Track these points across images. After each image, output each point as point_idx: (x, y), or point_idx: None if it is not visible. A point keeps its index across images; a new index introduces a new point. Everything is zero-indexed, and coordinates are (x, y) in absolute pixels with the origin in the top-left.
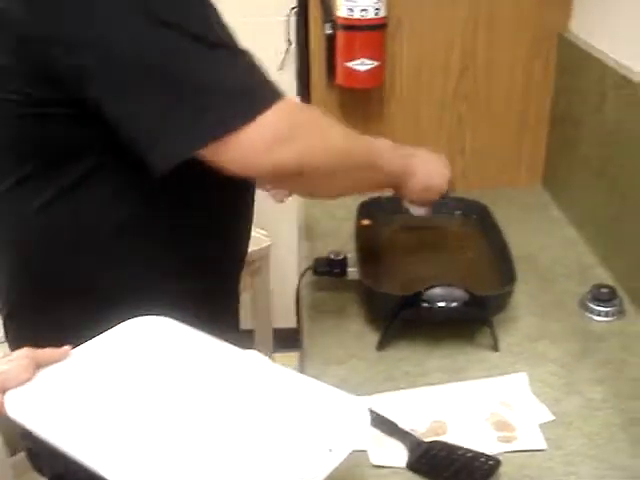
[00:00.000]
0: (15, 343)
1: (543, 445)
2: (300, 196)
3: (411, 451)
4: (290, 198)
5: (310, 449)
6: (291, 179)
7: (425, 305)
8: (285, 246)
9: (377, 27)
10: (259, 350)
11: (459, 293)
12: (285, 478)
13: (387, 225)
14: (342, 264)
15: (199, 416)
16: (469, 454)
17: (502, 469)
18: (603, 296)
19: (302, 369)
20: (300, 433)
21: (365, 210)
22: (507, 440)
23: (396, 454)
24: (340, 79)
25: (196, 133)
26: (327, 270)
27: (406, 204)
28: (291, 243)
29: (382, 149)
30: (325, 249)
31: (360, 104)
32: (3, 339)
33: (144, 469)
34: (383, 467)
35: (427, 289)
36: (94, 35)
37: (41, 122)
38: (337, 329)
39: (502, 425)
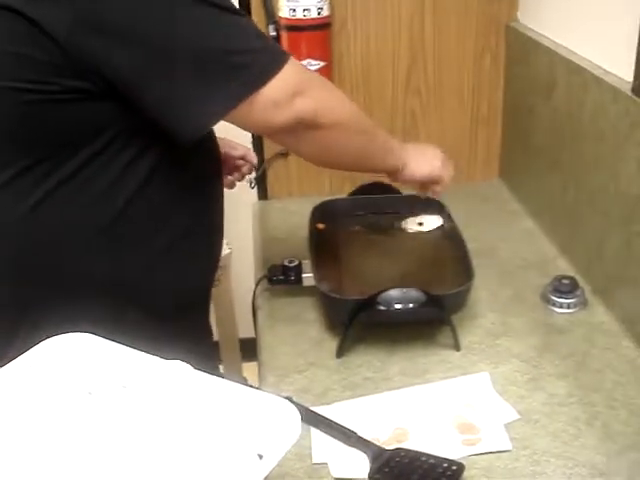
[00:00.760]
0: None
1: (509, 446)
2: (313, 162)
3: (373, 461)
4: (241, 183)
5: (239, 457)
6: (308, 132)
7: (381, 308)
8: (247, 254)
9: (321, 27)
10: (226, 362)
11: (415, 294)
12: None
13: (342, 228)
14: (297, 271)
15: (121, 432)
16: (432, 460)
17: (466, 473)
18: (564, 287)
19: (261, 380)
20: (228, 441)
21: (319, 214)
22: (472, 443)
23: (357, 465)
24: None
25: (230, 91)
26: (282, 278)
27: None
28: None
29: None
30: (280, 256)
31: None
32: None
33: None
34: (345, 479)
35: (382, 292)
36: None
37: (49, 109)
38: (295, 337)
39: (466, 427)
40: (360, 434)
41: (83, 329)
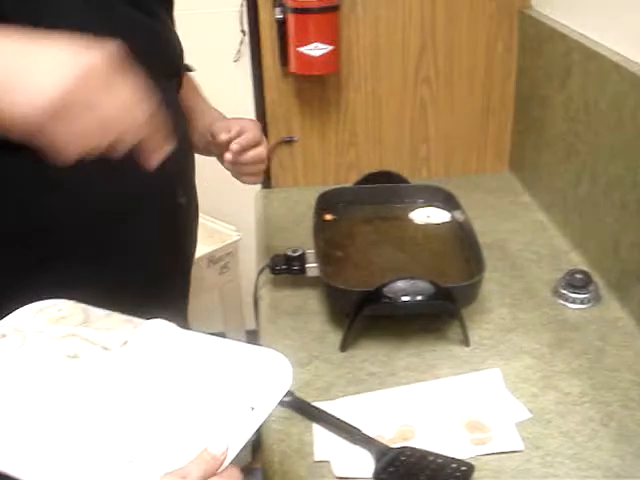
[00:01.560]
0: None
1: (520, 446)
2: None
3: (377, 460)
4: None
5: (232, 409)
6: None
7: (388, 300)
8: (252, 243)
9: (329, 9)
10: None
11: (423, 285)
12: (210, 441)
13: (348, 217)
14: (301, 260)
15: (115, 391)
16: (440, 460)
17: (476, 474)
18: (578, 282)
19: None
20: (221, 395)
21: (325, 202)
22: (481, 442)
23: (361, 464)
24: (294, 66)
25: None
26: (285, 268)
27: None
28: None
29: None
30: (283, 246)
31: (317, 92)
32: None
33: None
34: (347, 478)
35: (389, 283)
36: None
37: None
38: (298, 330)
39: (476, 426)
40: (364, 431)
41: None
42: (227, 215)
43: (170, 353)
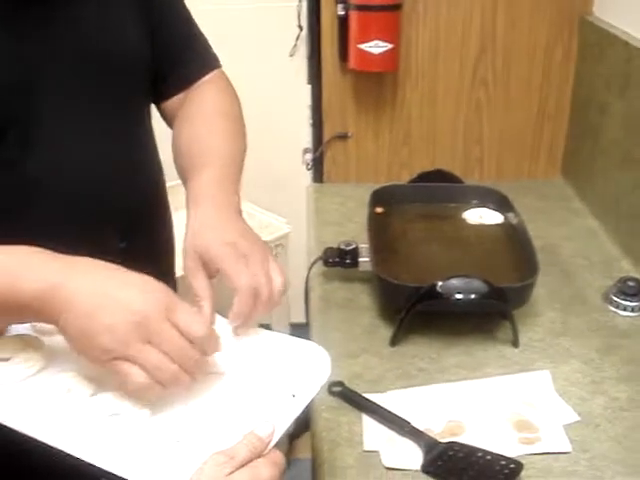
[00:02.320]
0: None
1: (568, 447)
2: None
3: (426, 453)
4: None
5: (275, 397)
6: None
7: (442, 297)
8: (301, 237)
9: (392, 7)
10: None
11: (478, 284)
12: (254, 424)
13: (401, 214)
14: (353, 254)
15: None
16: (488, 456)
17: (523, 473)
18: (630, 290)
19: None
20: (265, 383)
21: (379, 198)
22: (529, 442)
23: (410, 456)
24: (353, 62)
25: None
26: (338, 261)
27: None
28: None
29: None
30: (336, 239)
31: (374, 89)
32: None
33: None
34: (396, 469)
35: (444, 280)
36: None
37: None
38: (348, 322)
39: (524, 425)
40: (413, 424)
41: None
42: (278, 207)
43: (220, 342)
